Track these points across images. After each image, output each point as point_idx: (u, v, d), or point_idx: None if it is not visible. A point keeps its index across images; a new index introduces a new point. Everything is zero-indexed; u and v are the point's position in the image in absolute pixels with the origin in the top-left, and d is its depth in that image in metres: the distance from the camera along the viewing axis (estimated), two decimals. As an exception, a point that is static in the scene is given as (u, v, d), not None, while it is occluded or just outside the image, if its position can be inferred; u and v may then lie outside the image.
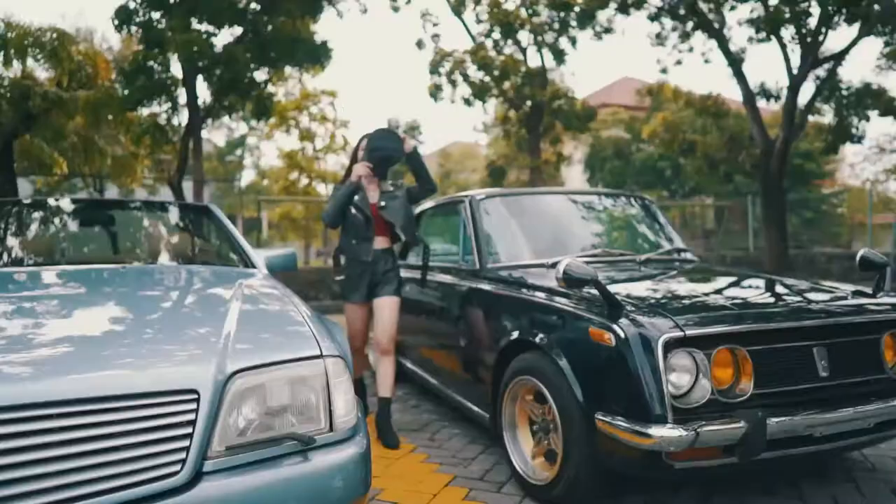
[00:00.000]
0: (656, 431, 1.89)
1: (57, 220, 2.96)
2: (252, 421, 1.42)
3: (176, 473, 1.28)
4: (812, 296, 2.47)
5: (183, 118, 9.94)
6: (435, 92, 12.80)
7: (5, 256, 2.59)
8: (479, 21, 11.81)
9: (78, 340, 1.53)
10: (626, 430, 1.96)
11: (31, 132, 9.29)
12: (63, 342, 1.51)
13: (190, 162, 10.11)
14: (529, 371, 2.49)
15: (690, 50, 12.00)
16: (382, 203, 3.25)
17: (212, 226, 3.34)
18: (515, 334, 2.61)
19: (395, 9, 12.69)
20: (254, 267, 2.91)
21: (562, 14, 11.42)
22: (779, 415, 2.00)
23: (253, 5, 9.42)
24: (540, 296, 2.59)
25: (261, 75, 10.26)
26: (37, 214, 3.09)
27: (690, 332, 1.99)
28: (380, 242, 3.28)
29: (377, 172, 3.24)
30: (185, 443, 1.30)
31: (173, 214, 3.42)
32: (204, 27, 9.22)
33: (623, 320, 2.08)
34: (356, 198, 3.24)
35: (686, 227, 18.06)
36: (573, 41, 12.46)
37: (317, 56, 9.77)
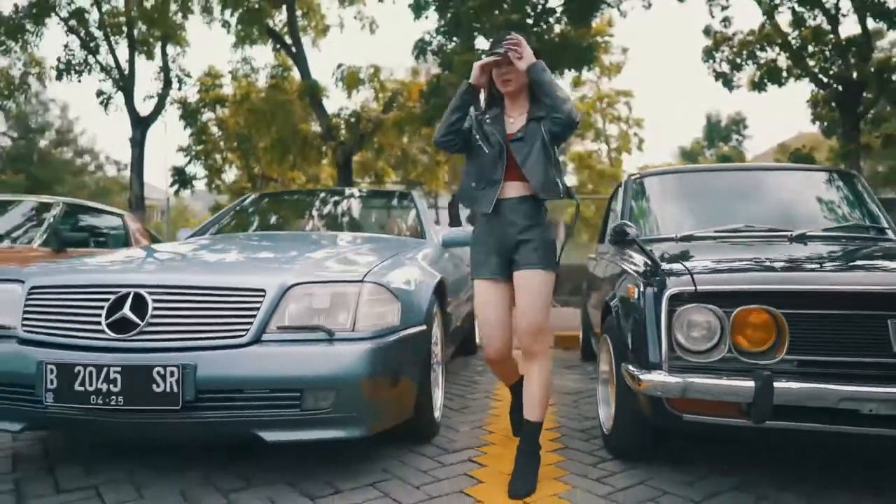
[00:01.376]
0: (647, 377, 2.01)
1: (297, 206, 4.20)
2: (299, 315, 2.13)
3: (243, 336, 2.06)
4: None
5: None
6: (726, 80, 11.95)
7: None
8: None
9: (230, 262, 2.47)
10: (629, 375, 2.11)
11: (362, 149, 11.89)
12: (224, 260, 2.47)
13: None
14: (608, 330, 2.68)
15: None
16: (520, 134, 2.33)
17: (412, 207, 4.20)
18: (607, 297, 2.81)
19: (682, -1, 12.27)
20: (424, 238, 3.68)
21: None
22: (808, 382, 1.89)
23: (528, 21, 10.34)
24: (625, 262, 2.75)
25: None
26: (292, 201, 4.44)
27: (703, 287, 2.03)
28: (515, 189, 2.32)
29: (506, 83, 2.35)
30: (252, 320, 2.08)
31: (385, 199, 4.43)
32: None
33: (649, 277, 2.20)
34: (487, 122, 2.40)
35: None
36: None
37: (582, 59, 10.20)
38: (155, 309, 2.09)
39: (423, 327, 2.51)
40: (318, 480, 2.26)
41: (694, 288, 2.03)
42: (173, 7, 12.51)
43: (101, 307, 2.11)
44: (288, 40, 11.56)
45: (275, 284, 2.15)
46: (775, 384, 1.87)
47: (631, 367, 2.13)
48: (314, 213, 4.14)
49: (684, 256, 2.40)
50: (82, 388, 1.98)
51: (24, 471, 2.38)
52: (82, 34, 12.16)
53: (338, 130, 10.80)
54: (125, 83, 12.50)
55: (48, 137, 30.85)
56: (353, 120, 10.60)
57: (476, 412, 3.29)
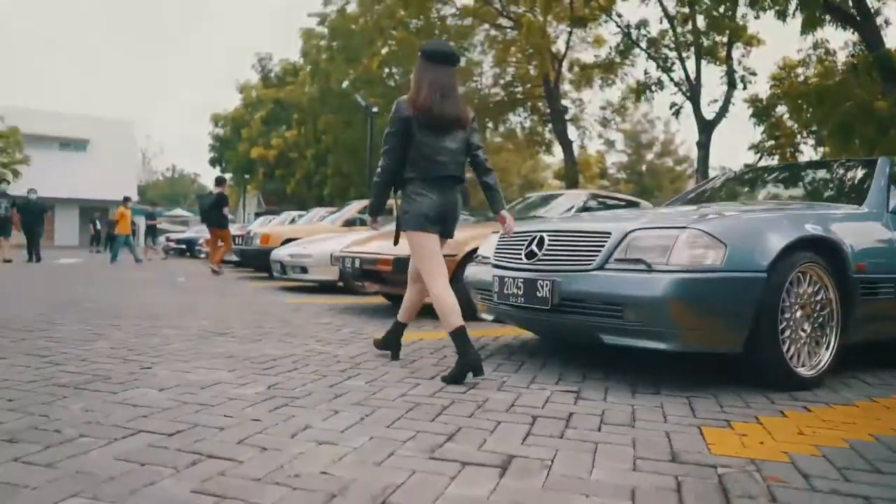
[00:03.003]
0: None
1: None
2: (630, 251, 2.84)
3: (591, 264, 2.93)
4: None
5: None
6: None
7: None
8: None
9: (605, 217, 3.33)
10: None
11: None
12: (606, 215, 3.36)
13: None
14: None
15: None
16: None
17: (870, 177, 3.93)
18: None
19: None
20: (858, 205, 3.54)
21: None
22: None
23: None
24: None
25: None
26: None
27: None
28: None
29: None
30: (598, 254, 2.92)
31: (842, 168, 4.21)
32: None
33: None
34: None
35: None
36: None
37: None
38: (548, 245, 3.20)
39: (762, 274, 2.74)
40: (647, 384, 2.89)
41: None
42: (741, 10, 13.15)
43: (523, 244, 3.36)
44: (855, 14, 10.48)
45: (618, 230, 2.94)
46: None
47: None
48: (766, 185, 4.41)
49: None
50: (507, 292, 3.27)
51: (490, 345, 3.88)
52: (659, 59, 14.23)
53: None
54: (693, 93, 13.91)
55: (654, 151, 36.14)
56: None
57: (873, 389, 3.01)
